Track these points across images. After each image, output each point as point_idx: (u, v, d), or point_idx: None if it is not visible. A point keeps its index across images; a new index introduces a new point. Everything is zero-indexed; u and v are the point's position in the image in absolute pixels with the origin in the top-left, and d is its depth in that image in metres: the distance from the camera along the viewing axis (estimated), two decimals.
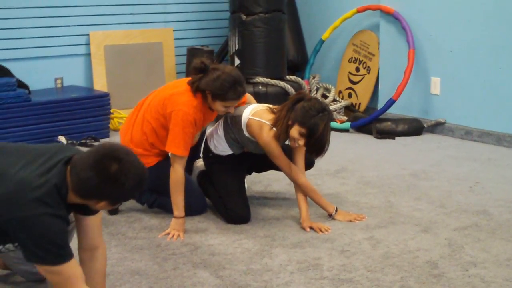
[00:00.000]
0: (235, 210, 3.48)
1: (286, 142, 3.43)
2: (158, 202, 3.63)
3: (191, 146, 3.42)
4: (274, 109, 3.42)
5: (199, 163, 3.82)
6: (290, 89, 5.61)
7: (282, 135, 3.30)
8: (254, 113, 3.42)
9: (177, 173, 3.31)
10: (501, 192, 3.97)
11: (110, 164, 2.11)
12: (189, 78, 3.43)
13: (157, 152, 3.52)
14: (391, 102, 5.40)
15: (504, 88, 5.05)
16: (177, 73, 6.28)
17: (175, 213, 3.33)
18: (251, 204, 3.61)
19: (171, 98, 3.37)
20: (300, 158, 3.44)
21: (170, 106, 3.34)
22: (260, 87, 5.59)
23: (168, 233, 3.32)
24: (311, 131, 3.22)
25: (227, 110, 3.38)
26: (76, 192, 2.16)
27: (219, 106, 3.36)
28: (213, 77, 3.30)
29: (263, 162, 3.59)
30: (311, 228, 3.38)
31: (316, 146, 3.26)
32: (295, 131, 3.27)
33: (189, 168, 3.72)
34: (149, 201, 3.65)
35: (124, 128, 3.63)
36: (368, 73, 6.01)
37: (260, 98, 5.36)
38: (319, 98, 5.88)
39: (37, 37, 5.59)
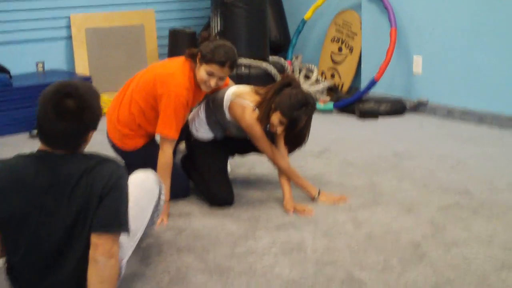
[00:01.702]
0: (219, 193, 3.48)
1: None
2: None
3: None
4: (260, 91, 3.40)
5: (183, 146, 3.82)
6: (273, 70, 5.60)
7: (263, 118, 3.29)
8: (237, 94, 3.40)
9: (166, 155, 3.29)
10: (483, 171, 3.98)
11: (67, 102, 2.11)
12: (178, 58, 3.42)
13: (143, 133, 3.50)
14: (373, 82, 5.40)
15: (486, 67, 5.06)
16: (159, 55, 6.25)
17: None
18: (234, 187, 3.61)
19: (162, 79, 3.32)
20: (282, 142, 3.44)
21: (161, 87, 3.30)
22: (243, 69, 5.57)
23: None
24: (292, 123, 3.22)
25: (210, 80, 3.32)
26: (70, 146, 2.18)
27: (202, 72, 3.30)
28: (207, 43, 3.33)
29: (246, 145, 3.58)
30: (294, 210, 3.39)
31: (294, 139, 3.28)
32: (276, 117, 3.26)
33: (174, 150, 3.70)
34: None
35: (111, 107, 3.59)
36: (351, 53, 6.00)
37: (242, 80, 5.36)
38: (303, 83, 5.91)
39: (17, 21, 5.53)
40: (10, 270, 2.23)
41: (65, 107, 2.11)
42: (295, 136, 3.26)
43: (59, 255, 2.17)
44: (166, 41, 6.21)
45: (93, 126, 2.20)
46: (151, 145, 3.49)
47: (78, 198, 2.14)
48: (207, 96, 3.59)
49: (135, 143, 3.51)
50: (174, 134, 3.31)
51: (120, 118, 3.50)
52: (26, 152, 2.23)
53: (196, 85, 3.40)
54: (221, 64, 3.28)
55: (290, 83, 3.32)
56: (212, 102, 3.51)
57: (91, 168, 2.17)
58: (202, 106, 3.57)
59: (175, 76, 3.33)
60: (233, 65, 3.33)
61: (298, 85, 3.33)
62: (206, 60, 3.29)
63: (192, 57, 3.37)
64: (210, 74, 3.30)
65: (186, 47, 3.49)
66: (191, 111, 3.64)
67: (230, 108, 3.40)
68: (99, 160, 2.20)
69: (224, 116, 3.45)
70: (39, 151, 2.20)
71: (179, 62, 3.41)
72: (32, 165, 2.17)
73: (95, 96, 2.22)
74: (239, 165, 4.14)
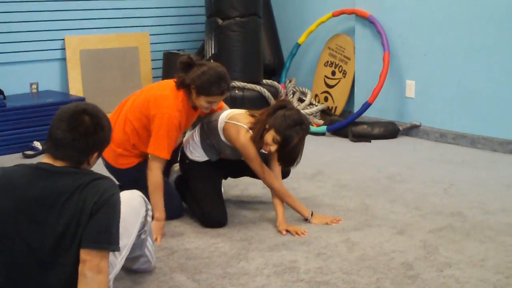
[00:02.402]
0: (212, 214, 3.48)
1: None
2: None
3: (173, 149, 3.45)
4: (255, 113, 3.43)
5: (177, 167, 3.82)
6: (267, 93, 5.63)
7: (257, 138, 3.31)
8: (231, 117, 3.43)
9: (155, 175, 3.29)
10: (475, 194, 4.00)
11: (82, 117, 2.20)
12: (173, 81, 3.44)
13: (138, 153, 3.52)
14: (367, 105, 5.42)
15: (478, 91, 5.10)
16: (153, 77, 6.25)
17: (157, 215, 3.30)
18: (227, 208, 3.62)
19: (156, 100, 3.35)
20: (276, 163, 3.43)
21: (154, 108, 3.33)
22: (236, 91, 5.59)
23: None
24: (285, 141, 3.24)
25: (210, 106, 3.39)
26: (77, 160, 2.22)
27: (202, 102, 3.36)
28: (199, 72, 3.33)
29: (240, 168, 3.61)
30: (287, 231, 3.39)
31: (287, 157, 3.29)
32: (269, 136, 3.28)
33: (166, 172, 3.72)
34: None
35: None
36: (344, 76, 6.03)
37: (236, 102, 5.39)
38: (296, 104, 5.93)
39: (11, 42, 5.54)
40: None
41: (81, 120, 2.20)
42: (288, 155, 3.26)
43: (46, 267, 2.16)
44: (160, 64, 6.23)
45: (100, 149, 2.26)
46: (145, 164, 3.50)
47: (68, 211, 2.15)
48: (201, 119, 3.61)
49: (130, 162, 3.53)
50: (166, 154, 3.32)
51: (115, 139, 3.49)
52: (28, 163, 2.27)
53: (189, 106, 3.43)
54: (221, 94, 3.37)
55: (284, 105, 3.36)
56: (207, 125, 3.53)
57: (86, 184, 2.18)
58: (197, 130, 3.59)
59: (168, 98, 3.35)
60: (228, 90, 3.41)
61: (292, 107, 3.36)
62: (204, 93, 3.34)
63: (183, 86, 3.39)
64: (211, 103, 3.38)
65: (179, 71, 3.50)
66: (184, 133, 3.66)
67: (224, 129, 3.42)
68: (95, 177, 2.22)
69: (219, 138, 3.46)
70: (40, 162, 2.23)
71: (173, 84, 3.44)
72: (28, 174, 2.19)
73: (109, 123, 2.30)
74: (232, 185, 4.15)
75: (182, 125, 3.40)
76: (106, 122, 2.27)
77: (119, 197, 2.25)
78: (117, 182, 3.37)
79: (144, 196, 2.70)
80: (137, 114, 3.43)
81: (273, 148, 3.29)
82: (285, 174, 3.64)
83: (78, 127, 2.18)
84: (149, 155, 3.36)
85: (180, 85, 3.39)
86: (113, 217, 2.19)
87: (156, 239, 3.26)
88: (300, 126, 3.25)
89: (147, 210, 2.67)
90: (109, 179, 2.25)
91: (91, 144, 2.21)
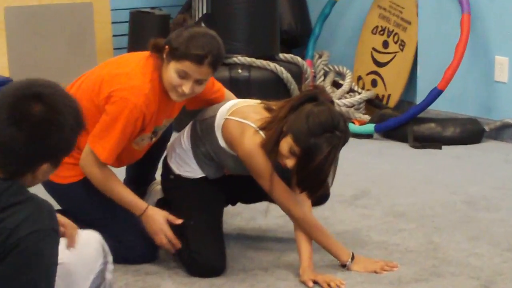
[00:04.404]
0: (204, 256, 3.48)
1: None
2: None
3: (136, 156, 3.50)
4: (272, 106, 3.45)
5: (156, 187, 3.86)
6: (285, 74, 5.61)
7: (270, 144, 3.31)
8: (235, 110, 3.44)
9: (94, 172, 3.39)
10: None
11: (31, 106, 2.15)
12: (142, 54, 3.49)
13: None
14: (435, 94, 5.42)
15: None
16: (114, 49, 6.28)
17: (136, 211, 3.43)
18: (226, 247, 3.61)
19: (111, 79, 3.41)
20: None
21: (108, 89, 3.38)
22: (239, 71, 5.60)
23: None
24: (307, 154, 3.20)
25: (180, 84, 3.35)
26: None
27: (171, 72, 3.35)
28: (180, 31, 3.38)
29: (254, 188, 3.56)
30: (315, 282, 3.37)
31: (309, 179, 3.26)
32: (285, 144, 3.25)
33: (139, 195, 3.69)
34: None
35: None
36: (402, 49, 6.04)
37: (239, 87, 5.36)
38: (329, 91, 5.92)
39: None
40: None
41: (26, 111, 2.15)
42: (309, 175, 3.25)
43: None
44: (125, 28, 6.26)
45: (54, 157, 2.23)
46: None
47: None
48: (194, 116, 3.63)
49: (75, 174, 3.52)
50: (107, 155, 3.36)
51: None
52: None
53: (163, 92, 3.45)
54: (198, 59, 3.30)
55: (315, 96, 3.34)
56: (200, 125, 3.55)
57: (4, 206, 2.12)
58: (186, 131, 3.62)
59: (130, 76, 3.39)
60: (216, 61, 3.36)
61: (326, 100, 3.35)
62: (176, 55, 3.33)
63: (158, 51, 3.43)
64: (182, 76, 3.34)
65: (154, 37, 3.52)
66: (155, 132, 3.65)
67: (224, 128, 3.43)
68: (22, 199, 2.16)
69: (217, 142, 3.48)
70: None
71: (140, 58, 3.48)
72: None
73: (76, 119, 2.25)
74: (233, 213, 4.13)
75: (148, 119, 3.42)
76: (69, 117, 2.21)
77: (46, 239, 2.15)
78: (57, 206, 3.36)
79: (104, 242, 2.70)
80: (84, 103, 3.31)
81: (290, 162, 3.26)
82: (320, 198, 3.64)
83: (20, 121, 2.14)
84: (86, 146, 3.39)
85: (154, 48, 3.42)
86: (27, 273, 2.11)
87: (167, 237, 3.42)
88: (331, 132, 3.23)
89: (105, 264, 2.66)
90: (44, 206, 2.19)
91: (38, 147, 2.17)
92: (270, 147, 3.31)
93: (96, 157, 3.36)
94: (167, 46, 3.36)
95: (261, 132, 3.35)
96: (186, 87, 3.34)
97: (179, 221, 3.45)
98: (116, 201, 3.42)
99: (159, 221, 3.44)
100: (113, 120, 3.34)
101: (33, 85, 2.21)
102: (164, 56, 3.38)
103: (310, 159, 3.20)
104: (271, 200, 3.56)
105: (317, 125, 3.21)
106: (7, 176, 2.18)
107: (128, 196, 3.42)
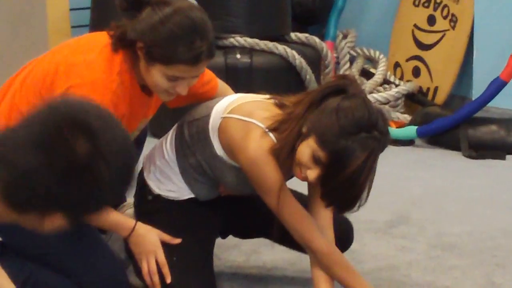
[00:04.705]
0: None
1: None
2: (35, 280, 3.61)
3: None
4: (284, 101, 3.42)
5: (127, 211, 3.87)
6: (298, 60, 5.64)
7: (284, 150, 3.29)
8: (236, 107, 3.44)
9: None
10: None
11: (75, 142, 2.14)
12: (106, 34, 3.49)
13: None
14: (498, 86, 5.42)
15: None
16: (72, 27, 6.36)
17: (122, 231, 3.51)
18: None
19: (69, 69, 3.39)
20: (322, 204, 3.38)
21: (66, 83, 3.35)
22: (238, 56, 5.62)
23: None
24: (337, 161, 3.18)
25: (173, 87, 3.38)
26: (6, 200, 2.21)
27: (158, 76, 3.35)
28: (155, 19, 3.34)
29: (257, 215, 3.63)
30: None
31: (341, 192, 3.24)
32: (306, 148, 3.21)
33: None
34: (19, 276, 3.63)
35: None
36: (453, 27, 6.08)
37: (239, 77, 5.37)
38: (358, 81, 5.90)
39: None
40: None
41: (68, 148, 2.17)
42: (340, 187, 3.23)
43: None
44: (87, 1, 6.28)
45: (73, 212, 2.26)
46: None
47: None
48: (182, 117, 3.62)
49: None
50: None
51: None
52: None
53: (134, 85, 3.48)
54: (194, 60, 3.35)
55: (343, 87, 3.31)
56: (189, 127, 3.55)
57: None
58: (170, 136, 3.63)
59: (92, 67, 3.40)
60: (212, 49, 3.41)
61: (357, 93, 3.30)
62: (161, 58, 3.35)
63: (125, 46, 3.45)
64: (173, 80, 3.38)
65: (120, 14, 3.54)
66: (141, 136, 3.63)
67: (222, 129, 3.42)
68: None
69: (211, 150, 3.47)
70: None
71: (107, 42, 3.48)
72: None
73: (123, 169, 2.28)
74: (229, 245, 4.15)
75: (120, 118, 3.36)
76: (114, 170, 2.22)
77: None
78: None
79: None
80: (31, 97, 3.44)
81: (312, 173, 3.22)
82: (344, 241, 3.66)
83: (57, 158, 2.16)
84: None
85: (118, 42, 3.41)
86: None
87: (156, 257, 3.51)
88: (369, 132, 3.20)
89: None
90: None
91: (60, 195, 2.19)
92: (285, 154, 3.29)
93: None
94: (140, 44, 3.37)
95: (271, 134, 3.33)
96: (182, 89, 3.40)
97: (177, 241, 3.51)
98: (97, 223, 3.44)
99: (151, 240, 3.53)
100: None
101: (79, 110, 2.23)
102: (139, 53, 3.40)
103: (341, 167, 3.17)
104: (277, 238, 3.62)
105: (351, 123, 3.18)
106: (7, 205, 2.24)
107: (111, 215, 3.45)
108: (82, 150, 2.14)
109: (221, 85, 3.76)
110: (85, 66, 3.36)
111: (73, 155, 2.14)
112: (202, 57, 3.32)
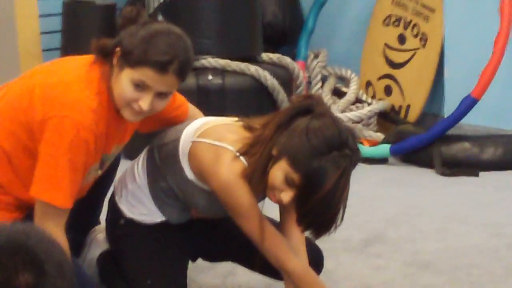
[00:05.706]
0: None
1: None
2: None
3: (79, 195, 3.48)
4: (252, 124, 3.43)
5: (98, 236, 3.89)
6: (270, 80, 5.64)
7: (257, 173, 3.30)
8: (205, 131, 3.45)
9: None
10: None
11: (18, 276, 2.06)
12: (83, 58, 3.50)
13: (10, 202, 3.52)
14: (469, 103, 5.43)
15: None
16: (44, 50, 6.32)
17: None
18: None
19: (47, 92, 3.37)
20: (295, 222, 3.38)
21: (43, 107, 3.34)
22: (209, 77, 5.62)
23: None
24: (311, 182, 3.19)
25: (137, 98, 3.33)
26: None
27: (124, 82, 3.33)
28: (133, 29, 3.37)
29: (229, 238, 3.65)
30: None
31: (317, 213, 3.23)
32: (279, 171, 3.22)
33: (76, 244, 3.77)
34: None
35: None
36: (423, 45, 6.09)
37: (211, 99, 5.37)
38: (329, 101, 5.92)
39: None
40: None
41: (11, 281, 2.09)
42: (314, 209, 3.24)
43: None
44: (58, 23, 6.27)
45: None
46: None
47: None
48: (150, 141, 3.64)
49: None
50: (65, 200, 3.34)
51: None
52: None
53: (113, 109, 3.45)
54: (161, 66, 3.31)
55: (310, 107, 3.32)
56: (159, 150, 3.55)
57: None
58: (142, 160, 3.63)
59: (71, 87, 3.36)
60: (184, 68, 3.37)
61: (325, 112, 3.33)
62: (131, 60, 3.32)
63: (105, 56, 3.43)
64: (140, 87, 3.32)
65: (96, 36, 3.52)
66: (103, 163, 3.63)
67: (192, 154, 3.42)
68: None
69: (182, 174, 3.48)
70: None
71: (82, 64, 3.46)
72: None
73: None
74: (205, 267, 4.13)
75: (99, 143, 3.40)
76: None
77: None
78: None
79: None
80: (7, 124, 3.43)
81: (286, 196, 3.23)
82: (317, 252, 3.68)
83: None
84: (36, 204, 3.36)
85: (100, 51, 3.41)
86: None
87: None
88: (340, 151, 3.21)
89: None
90: None
91: None
92: (257, 177, 3.31)
93: (55, 213, 3.36)
94: (118, 49, 3.36)
95: (242, 158, 3.35)
96: (144, 102, 3.33)
97: None
98: None
99: None
100: (56, 150, 3.32)
101: (23, 233, 2.15)
102: (114, 61, 3.38)
103: (315, 187, 3.19)
104: (250, 256, 3.54)
105: (322, 143, 3.21)
106: None
107: None
108: (25, 283, 2.07)
109: (192, 109, 3.75)
110: (64, 86, 3.35)
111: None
112: (169, 67, 3.29)
